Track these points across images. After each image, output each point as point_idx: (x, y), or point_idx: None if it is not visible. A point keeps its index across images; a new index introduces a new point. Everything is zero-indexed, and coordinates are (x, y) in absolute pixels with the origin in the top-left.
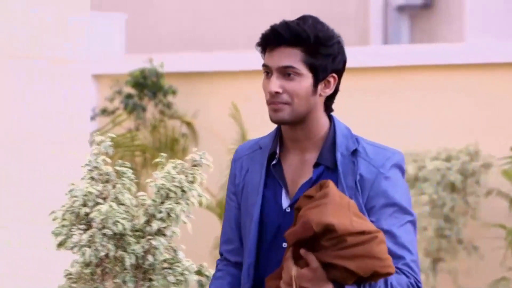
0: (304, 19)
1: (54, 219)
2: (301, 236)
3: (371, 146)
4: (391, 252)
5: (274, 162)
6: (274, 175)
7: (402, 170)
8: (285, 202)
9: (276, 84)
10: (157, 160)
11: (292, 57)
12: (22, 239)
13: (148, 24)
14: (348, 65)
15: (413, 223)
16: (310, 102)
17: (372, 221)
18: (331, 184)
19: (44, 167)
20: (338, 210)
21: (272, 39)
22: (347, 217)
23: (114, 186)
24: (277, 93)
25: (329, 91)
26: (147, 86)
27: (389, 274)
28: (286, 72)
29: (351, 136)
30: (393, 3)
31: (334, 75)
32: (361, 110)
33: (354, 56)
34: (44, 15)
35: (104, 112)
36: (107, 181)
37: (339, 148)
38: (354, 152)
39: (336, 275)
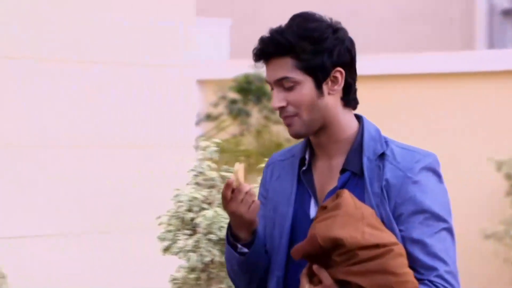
0: (291, 21)
1: (159, 224)
2: (307, 251)
3: (400, 149)
4: (422, 263)
5: (304, 168)
6: (304, 182)
7: (436, 173)
8: (313, 212)
9: (277, 98)
10: (262, 165)
11: (284, 67)
12: (127, 244)
13: (252, 29)
14: (453, 69)
15: (449, 230)
16: (320, 106)
17: (401, 230)
18: (345, 193)
19: (150, 173)
20: (349, 222)
21: (261, 55)
22: (358, 229)
23: (219, 191)
24: (281, 108)
25: (338, 88)
26: (252, 91)
27: None
28: (284, 84)
29: (379, 138)
30: (498, 7)
31: (339, 69)
32: (472, 115)
33: (459, 61)
34: (151, 22)
35: (208, 117)
36: (212, 186)
37: (366, 152)
38: (382, 156)
39: None
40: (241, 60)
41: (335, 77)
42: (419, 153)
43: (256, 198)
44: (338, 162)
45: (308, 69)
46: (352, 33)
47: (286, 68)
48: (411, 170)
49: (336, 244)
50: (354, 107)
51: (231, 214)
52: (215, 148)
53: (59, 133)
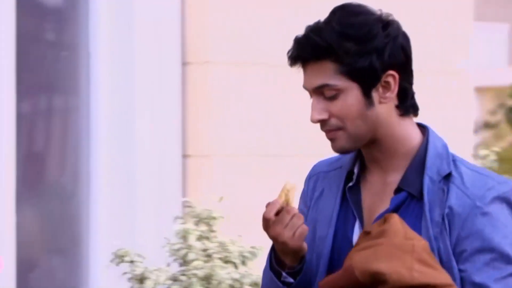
0: (330, 15)
1: None
2: (340, 285)
3: (471, 171)
4: None
5: (351, 184)
6: (349, 200)
7: (508, 203)
8: (356, 237)
9: (317, 110)
10: None
11: (323, 72)
12: None
13: None
14: None
15: None
16: (370, 118)
17: (461, 270)
18: (394, 218)
19: None
20: (395, 254)
21: (296, 58)
22: (405, 264)
23: None
24: (322, 121)
25: (391, 94)
26: None
27: None
28: (324, 92)
29: (447, 156)
30: None
31: (392, 72)
32: None
33: None
34: (429, 28)
35: (486, 125)
36: None
37: (428, 170)
38: (447, 177)
39: None
40: None
41: (387, 82)
42: (493, 179)
43: (304, 221)
44: (394, 179)
45: (353, 74)
46: None
47: (326, 73)
48: (481, 198)
49: (377, 280)
50: (415, 114)
51: (273, 239)
52: (495, 157)
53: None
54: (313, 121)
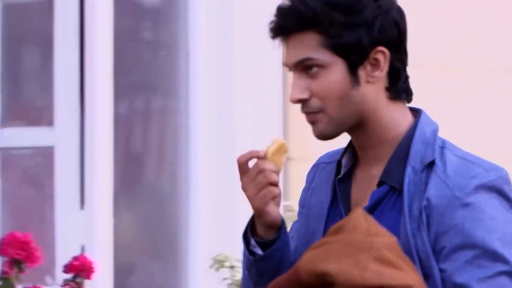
0: None
1: None
2: (285, 287)
3: (457, 159)
4: None
5: (340, 176)
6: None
7: (502, 194)
8: None
9: (297, 88)
10: None
11: (306, 45)
12: None
13: None
14: None
15: (510, 275)
16: (355, 98)
17: (441, 270)
18: (356, 213)
19: None
20: (350, 252)
21: (278, 29)
22: (359, 263)
23: None
24: (302, 101)
25: (380, 73)
26: None
27: None
28: (306, 68)
29: (433, 142)
30: None
31: (381, 48)
32: None
33: None
34: None
35: None
36: None
37: (411, 160)
38: (430, 166)
39: None
40: None
41: (376, 60)
42: (481, 167)
43: (274, 181)
44: (379, 171)
45: (338, 48)
46: None
47: (310, 46)
48: (462, 188)
49: (324, 282)
50: (408, 100)
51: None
52: None
53: None
54: (293, 101)
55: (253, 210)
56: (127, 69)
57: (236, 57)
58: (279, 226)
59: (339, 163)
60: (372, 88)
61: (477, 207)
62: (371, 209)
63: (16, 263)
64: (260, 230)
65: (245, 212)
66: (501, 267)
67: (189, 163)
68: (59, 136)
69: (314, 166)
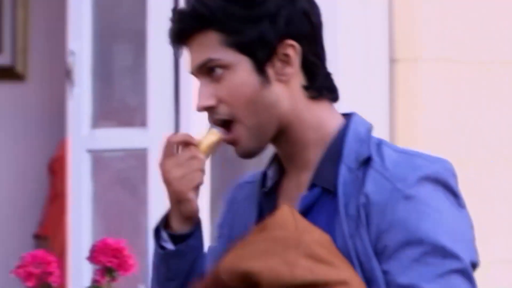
0: None
1: None
2: None
3: (397, 154)
4: None
5: (265, 190)
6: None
7: (446, 187)
8: None
9: (203, 95)
10: None
11: (206, 45)
12: None
13: None
14: None
15: (463, 273)
16: (267, 100)
17: (385, 272)
18: (282, 210)
19: None
20: (276, 249)
21: (176, 33)
22: (288, 260)
23: None
24: (209, 108)
25: (292, 70)
26: None
27: None
28: (209, 71)
29: (369, 139)
30: None
31: (290, 42)
32: None
33: None
34: None
35: None
36: None
37: (345, 158)
38: (367, 163)
39: None
40: None
41: (286, 55)
42: (424, 159)
43: (204, 171)
44: (308, 176)
45: (240, 45)
46: None
47: (210, 46)
48: (403, 179)
49: (249, 283)
50: (333, 99)
51: (161, 174)
52: None
53: None
54: (199, 109)
55: (173, 196)
56: None
57: (341, 53)
58: (196, 222)
59: (264, 176)
60: (286, 87)
61: (421, 199)
62: (303, 214)
63: (108, 271)
64: (175, 222)
65: None
66: (453, 264)
67: None
68: (152, 137)
69: (233, 187)
